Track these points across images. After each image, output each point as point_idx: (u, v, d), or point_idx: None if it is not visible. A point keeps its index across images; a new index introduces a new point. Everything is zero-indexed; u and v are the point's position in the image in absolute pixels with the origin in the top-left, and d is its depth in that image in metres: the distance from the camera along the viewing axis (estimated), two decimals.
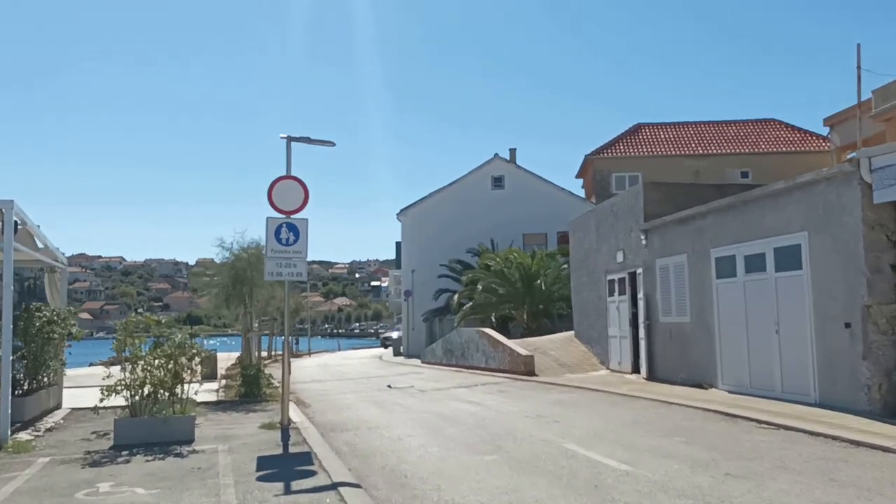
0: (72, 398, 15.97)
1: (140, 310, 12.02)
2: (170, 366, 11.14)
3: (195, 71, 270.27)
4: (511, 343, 21.67)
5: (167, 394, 11.07)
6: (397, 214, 41.78)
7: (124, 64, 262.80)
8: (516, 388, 17.42)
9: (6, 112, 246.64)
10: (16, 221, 10.76)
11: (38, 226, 12.77)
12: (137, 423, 10.76)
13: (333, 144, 12.90)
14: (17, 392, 12.94)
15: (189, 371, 11.39)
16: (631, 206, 18.13)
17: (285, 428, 11.88)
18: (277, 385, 18.45)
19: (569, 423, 11.56)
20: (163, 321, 12.09)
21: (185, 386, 11.35)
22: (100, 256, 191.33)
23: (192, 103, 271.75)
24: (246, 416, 13.86)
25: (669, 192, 17.20)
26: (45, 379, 13.97)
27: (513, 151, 42.74)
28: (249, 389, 16.72)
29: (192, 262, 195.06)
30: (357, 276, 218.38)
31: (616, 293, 19.30)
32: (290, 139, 12.49)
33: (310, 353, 49.10)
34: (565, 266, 30.31)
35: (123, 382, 10.89)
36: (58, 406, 14.89)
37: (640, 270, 17.58)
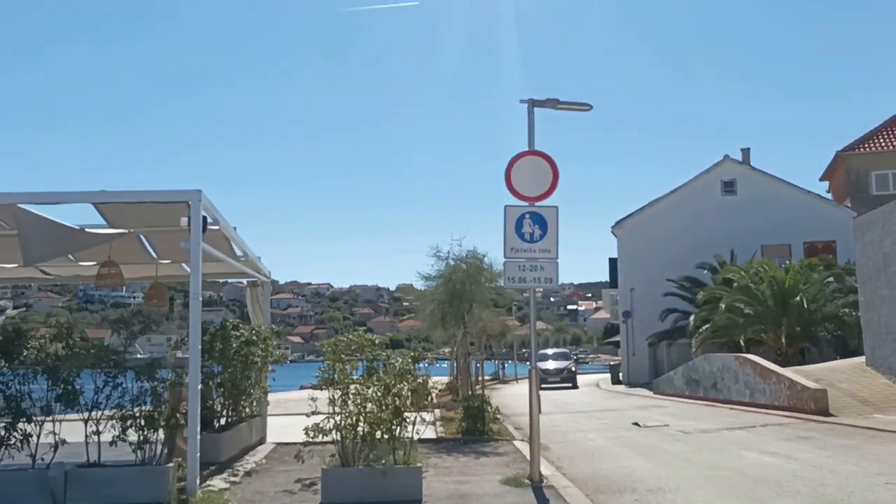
0: (278, 430, 13.97)
1: (359, 329, 9.66)
2: (388, 399, 8.50)
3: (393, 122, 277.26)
4: (790, 373, 17.31)
5: (385, 435, 8.42)
6: (612, 227, 37.96)
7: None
8: (820, 433, 13.23)
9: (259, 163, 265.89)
10: (204, 217, 8.61)
11: (235, 228, 10.72)
12: (350, 474, 8.19)
13: (589, 107, 9.81)
14: (214, 426, 10.95)
15: (414, 406, 8.69)
16: None
17: (537, 486, 8.84)
18: (501, 418, 15.53)
19: None
20: (377, 341, 9.51)
21: (409, 425, 8.66)
22: (310, 283, 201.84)
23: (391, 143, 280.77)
24: (476, 461, 11.05)
25: None
26: (247, 410, 11.95)
27: (745, 151, 37.48)
28: (473, 425, 13.97)
29: (392, 287, 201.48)
30: (552, 299, 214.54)
31: None
32: (532, 103, 9.57)
33: (517, 380, 46.18)
34: (830, 279, 25.26)
35: (332, 420, 8.40)
36: (261, 441, 12.85)
37: None
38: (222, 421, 11.23)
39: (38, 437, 8.48)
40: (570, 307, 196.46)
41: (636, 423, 16.13)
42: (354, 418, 8.42)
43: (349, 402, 8.50)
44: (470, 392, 15.86)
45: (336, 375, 8.70)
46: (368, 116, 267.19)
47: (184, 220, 8.47)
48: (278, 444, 12.81)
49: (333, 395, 8.58)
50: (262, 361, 11.78)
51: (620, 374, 37.65)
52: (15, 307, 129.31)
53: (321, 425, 8.39)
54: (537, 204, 9.35)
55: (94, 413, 8.49)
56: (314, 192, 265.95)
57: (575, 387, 34.86)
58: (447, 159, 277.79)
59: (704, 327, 27.13)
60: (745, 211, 35.30)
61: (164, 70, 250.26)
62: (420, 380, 8.72)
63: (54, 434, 8.39)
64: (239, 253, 11.68)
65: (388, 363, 8.74)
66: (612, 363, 41.03)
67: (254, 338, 11.16)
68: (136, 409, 8.51)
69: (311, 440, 8.42)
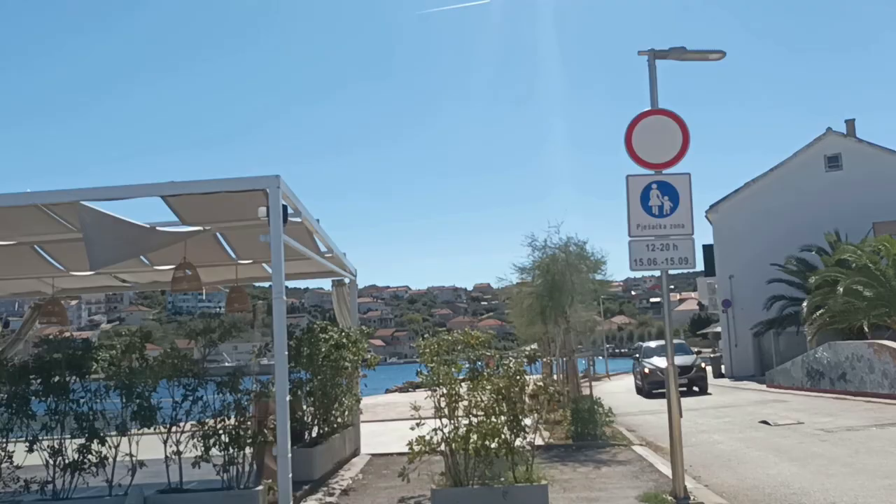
0: (370, 438, 13.00)
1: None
2: (502, 406, 7.30)
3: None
4: None
5: (502, 447, 7.20)
6: (706, 212, 35.71)
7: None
8: None
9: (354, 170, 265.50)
10: (285, 207, 7.56)
11: (318, 220, 9.69)
12: (464, 495, 7.06)
13: (722, 55, 8.35)
14: (304, 439, 9.95)
15: (534, 413, 7.46)
16: None
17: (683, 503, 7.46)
18: (610, 419, 14.08)
19: None
20: (480, 338, 8.29)
21: (528, 435, 7.44)
22: (388, 287, 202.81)
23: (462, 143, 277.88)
24: (598, 471, 9.77)
25: None
26: (339, 419, 10.94)
27: (850, 123, 34.67)
28: (583, 429, 12.65)
29: (469, 287, 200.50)
30: (633, 293, 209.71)
31: None
32: (654, 55, 8.19)
33: (609, 376, 44.27)
34: None
35: (440, 432, 7.24)
36: (355, 453, 11.84)
37: None
38: (313, 433, 10.25)
39: (115, 458, 7.63)
40: (653, 300, 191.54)
41: (765, 422, 14.47)
42: (464, 429, 7.25)
43: (458, 409, 7.35)
44: (577, 392, 14.46)
45: (440, 378, 7.53)
46: (441, 118, 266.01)
47: (262, 210, 7.45)
48: (373, 455, 11.82)
49: (439, 402, 7.43)
50: (352, 366, 10.75)
51: (723, 367, 35.40)
52: (108, 321, 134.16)
53: (428, 438, 7.25)
54: (665, 171, 7.98)
55: (173, 430, 7.60)
56: (387, 196, 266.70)
57: (704, 391, 24.53)
58: (527, 157, 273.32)
59: (818, 313, 24.93)
60: (853, 187, 32.54)
61: (224, 91, 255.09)
62: (540, 382, 7.48)
63: (131, 456, 7.53)
64: (323, 248, 10.67)
65: (502, 364, 7.51)
66: (712, 355, 38.58)
67: (344, 340, 10.11)
68: (219, 425, 7.58)
69: (414, 458, 7.28)
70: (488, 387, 7.39)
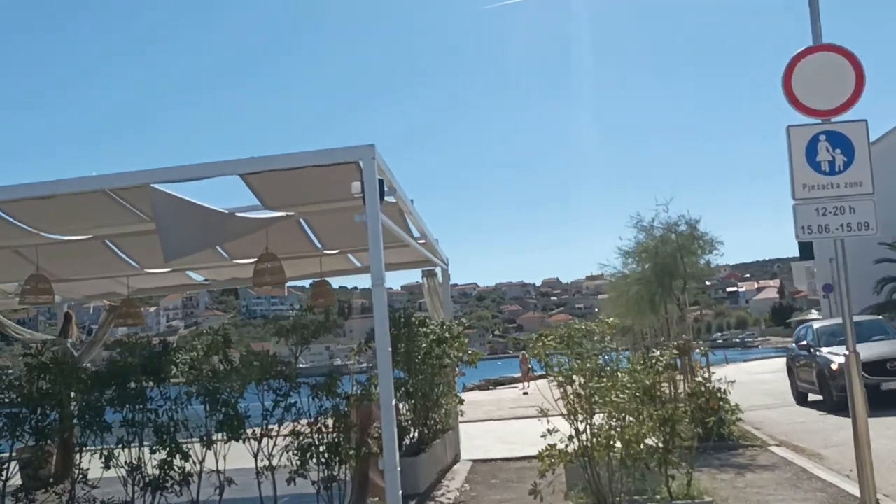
0: (464, 440, 11.86)
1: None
2: (652, 408, 6.09)
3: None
4: None
5: (654, 455, 6.00)
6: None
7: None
8: None
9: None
10: (381, 181, 6.45)
11: (412, 200, 8.57)
12: None
13: None
14: (402, 447, 8.84)
15: (694, 416, 6.21)
16: None
17: None
18: (738, 416, 12.55)
19: None
20: (615, 326, 7.04)
21: (683, 441, 6.22)
22: (456, 284, 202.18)
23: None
24: (742, 477, 8.55)
25: None
26: (438, 423, 9.84)
27: None
28: (708, 427, 11.22)
29: (538, 282, 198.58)
30: (708, 283, 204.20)
31: None
32: None
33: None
34: None
35: (577, 441, 6.07)
36: (455, 459, 10.73)
37: None
38: (413, 439, 9.17)
39: (200, 475, 6.70)
40: (729, 289, 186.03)
41: None
42: (605, 435, 6.06)
43: (595, 416, 6.15)
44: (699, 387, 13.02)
45: (571, 374, 6.34)
46: (506, 113, 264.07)
47: (356, 186, 6.35)
48: (474, 461, 10.72)
49: (573, 404, 6.23)
50: (452, 363, 9.65)
51: None
52: (186, 326, 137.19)
53: (562, 447, 6.08)
54: (835, 119, 6.60)
55: (263, 441, 6.62)
56: (449, 195, 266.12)
57: None
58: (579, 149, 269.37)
59: None
60: None
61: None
62: (698, 378, 6.22)
63: (218, 472, 6.56)
64: (416, 234, 9.55)
65: (648, 358, 6.28)
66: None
67: (446, 335, 8.99)
68: (314, 435, 6.56)
69: (546, 469, 6.12)
70: (630, 384, 6.18)
